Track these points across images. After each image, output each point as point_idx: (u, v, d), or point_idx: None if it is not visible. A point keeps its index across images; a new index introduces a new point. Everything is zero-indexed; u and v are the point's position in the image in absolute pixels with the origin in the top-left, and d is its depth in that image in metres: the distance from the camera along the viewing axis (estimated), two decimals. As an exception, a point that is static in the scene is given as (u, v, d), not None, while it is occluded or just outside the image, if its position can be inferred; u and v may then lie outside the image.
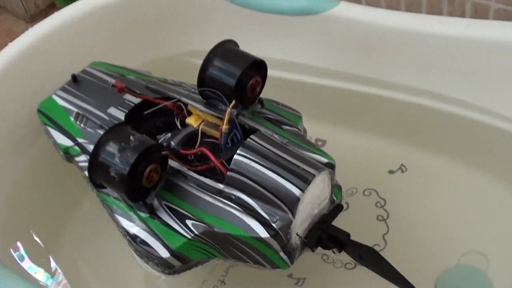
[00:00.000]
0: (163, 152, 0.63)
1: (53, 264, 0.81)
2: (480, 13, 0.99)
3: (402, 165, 0.84)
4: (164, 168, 0.64)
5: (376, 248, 0.76)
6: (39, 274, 0.79)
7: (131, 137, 0.61)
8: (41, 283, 0.78)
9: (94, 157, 0.62)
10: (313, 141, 0.89)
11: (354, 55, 0.86)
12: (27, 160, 0.85)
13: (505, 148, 0.80)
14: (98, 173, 0.62)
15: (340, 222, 0.79)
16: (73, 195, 0.85)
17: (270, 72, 0.73)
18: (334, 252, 0.64)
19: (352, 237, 0.78)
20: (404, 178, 0.83)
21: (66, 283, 0.79)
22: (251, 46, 0.82)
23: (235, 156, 0.61)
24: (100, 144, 0.62)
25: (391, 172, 0.84)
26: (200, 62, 0.72)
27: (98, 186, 0.65)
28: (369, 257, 0.63)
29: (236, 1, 0.90)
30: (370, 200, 0.82)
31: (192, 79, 0.76)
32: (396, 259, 0.76)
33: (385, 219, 0.80)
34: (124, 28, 0.93)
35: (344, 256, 0.76)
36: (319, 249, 0.70)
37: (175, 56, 0.98)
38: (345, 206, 0.82)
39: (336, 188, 0.66)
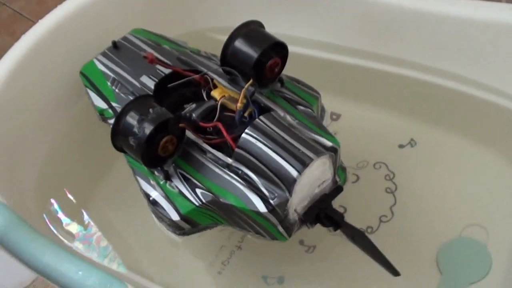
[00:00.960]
0: (180, 125, 0.67)
1: (86, 217, 0.86)
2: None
3: (412, 139, 0.87)
4: (181, 139, 0.68)
5: (383, 219, 0.81)
6: (72, 226, 0.84)
7: (150, 110, 0.65)
8: (74, 236, 0.83)
9: (116, 124, 0.66)
10: (328, 114, 0.92)
11: (368, 33, 0.89)
12: (68, 120, 0.91)
13: (504, 122, 0.83)
14: (119, 138, 0.66)
15: (351, 193, 0.83)
16: (109, 155, 0.88)
17: (291, 48, 0.77)
18: (330, 231, 0.67)
19: (361, 208, 0.83)
20: (413, 153, 0.86)
21: (100, 234, 0.84)
22: (274, 24, 0.86)
23: (243, 135, 0.64)
24: (122, 113, 0.65)
25: (401, 146, 0.87)
26: (221, 37, 0.76)
27: (119, 149, 0.69)
28: (359, 239, 0.67)
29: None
30: (379, 173, 0.85)
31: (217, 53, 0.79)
32: (402, 230, 0.80)
33: (393, 191, 0.83)
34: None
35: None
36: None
37: (200, 31, 1.01)
38: (355, 178, 0.86)
39: (340, 170, 0.69)
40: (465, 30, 0.80)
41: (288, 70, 0.76)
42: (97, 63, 0.84)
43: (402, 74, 0.88)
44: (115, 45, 0.85)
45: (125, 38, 0.86)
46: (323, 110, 0.78)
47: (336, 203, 0.81)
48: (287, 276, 0.79)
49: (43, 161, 0.87)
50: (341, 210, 0.82)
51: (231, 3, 0.99)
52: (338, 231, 0.68)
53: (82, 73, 0.84)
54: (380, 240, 0.78)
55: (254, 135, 0.64)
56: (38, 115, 0.87)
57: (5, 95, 0.82)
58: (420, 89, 0.88)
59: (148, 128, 0.63)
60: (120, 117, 0.66)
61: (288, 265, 0.80)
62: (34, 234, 0.68)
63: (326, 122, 0.91)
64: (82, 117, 0.90)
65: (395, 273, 0.66)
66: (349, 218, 0.80)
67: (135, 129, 0.64)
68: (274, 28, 0.89)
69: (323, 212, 0.66)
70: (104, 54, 0.85)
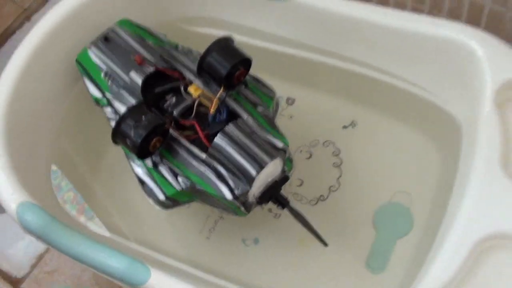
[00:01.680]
0: (166, 126, 0.82)
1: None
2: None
3: (353, 121, 1.04)
4: (165, 137, 0.83)
5: (332, 188, 1.00)
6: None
7: (143, 117, 0.80)
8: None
9: (117, 127, 0.80)
10: (285, 99, 1.09)
11: (317, 32, 1.03)
12: (72, 101, 1.03)
13: (424, 109, 0.98)
14: (119, 138, 0.82)
15: (305, 168, 1.02)
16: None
17: (256, 42, 0.92)
18: (278, 208, 0.86)
19: (314, 180, 1.02)
20: (354, 132, 1.04)
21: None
22: (239, 17, 1.03)
23: (215, 139, 0.80)
24: (121, 119, 0.80)
25: (344, 127, 1.04)
26: (192, 28, 0.96)
27: (117, 144, 0.84)
28: (299, 217, 0.87)
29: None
30: (328, 150, 1.03)
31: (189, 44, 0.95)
32: (346, 197, 0.99)
33: (339, 165, 1.01)
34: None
35: (309, 195, 1.00)
36: (291, 190, 0.97)
37: (171, 22, 1.12)
38: (308, 155, 1.04)
39: (288, 161, 0.86)
40: (390, 36, 0.95)
41: (255, 61, 0.88)
42: (91, 54, 0.93)
43: (345, 67, 1.04)
44: (106, 39, 0.95)
45: (113, 31, 0.95)
46: (277, 105, 0.94)
47: (295, 176, 1.02)
48: (261, 237, 0.99)
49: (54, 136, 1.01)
50: (298, 182, 1.02)
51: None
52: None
53: (78, 62, 0.94)
54: (330, 206, 0.99)
55: (224, 140, 0.81)
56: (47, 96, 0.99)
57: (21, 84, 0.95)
58: (359, 80, 1.04)
59: (142, 133, 0.79)
60: (119, 122, 0.80)
61: (261, 229, 0.99)
62: (66, 228, 0.85)
63: (283, 106, 1.10)
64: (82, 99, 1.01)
65: (324, 243, 0.88)
66: (305, 189, 1.02)
67: (132, 133, 0.80)
68: (239, 20, 1.06)
69: (274, 196, 0.85)
70: (96, 46, 0.94)
